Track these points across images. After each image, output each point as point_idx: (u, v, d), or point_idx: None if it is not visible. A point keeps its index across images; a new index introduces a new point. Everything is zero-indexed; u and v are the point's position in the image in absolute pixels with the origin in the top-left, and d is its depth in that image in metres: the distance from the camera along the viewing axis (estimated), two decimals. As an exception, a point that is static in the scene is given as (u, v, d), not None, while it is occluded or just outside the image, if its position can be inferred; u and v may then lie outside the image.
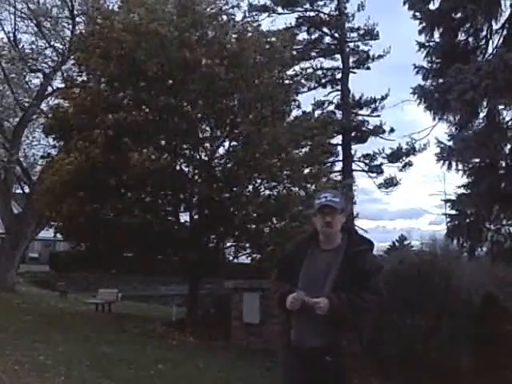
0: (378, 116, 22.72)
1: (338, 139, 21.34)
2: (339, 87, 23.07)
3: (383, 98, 22.40)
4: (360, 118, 23.15)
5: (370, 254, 2.96)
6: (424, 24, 10.14)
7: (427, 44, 10.32)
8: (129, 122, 10.37)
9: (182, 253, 11.45)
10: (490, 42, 10.02)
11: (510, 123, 9.49)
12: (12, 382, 5.11)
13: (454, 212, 10.14)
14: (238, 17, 12.53)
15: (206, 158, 11.82)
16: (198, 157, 11.86)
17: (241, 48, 10.87)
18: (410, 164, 21.66)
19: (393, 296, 6.06)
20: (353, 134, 22.44)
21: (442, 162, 9.65)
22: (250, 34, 11.57)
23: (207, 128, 12.03)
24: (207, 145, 11.89)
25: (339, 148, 22.25)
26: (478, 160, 9.69)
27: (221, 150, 12.04)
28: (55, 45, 16.95)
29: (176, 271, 14.68)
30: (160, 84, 10.89)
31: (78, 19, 16.38)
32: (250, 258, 12.30)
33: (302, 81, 14.08)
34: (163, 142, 11.86)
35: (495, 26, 9.84)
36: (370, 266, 2.83)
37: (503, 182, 9.26)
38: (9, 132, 17.28)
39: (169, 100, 10.54)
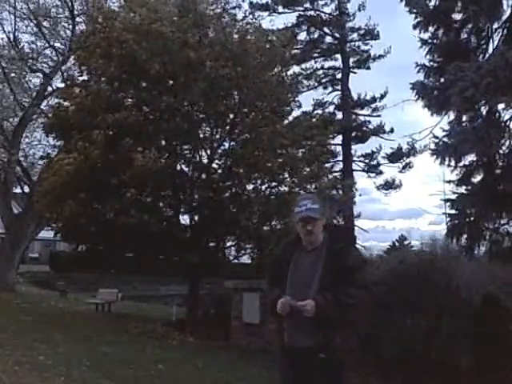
0: (379, 116, 22.79)
1: (338, 139, 21.38)
2: (339, 87, 23.08)
3: (382, 97, 22.44)
4: (360, 117, 23.19)
5: (352, 250, 3.03)
6: (419, 19, 10.12)
7: (429, 41, 10.30)
8: (130, 122, 10.36)
9: (182, 254, 11.43)
10: (491, 40, 10.02)
11: (508, 122, 9.48)
12: (12, 382, 5.10)
13: (453, 212, 10.12)
14: (239, 16, 12.53)
15: (206, 159, 11.82)
16: (198, 158, 11.85)
17: (243, 49, 10.87)
18: (410, 166, 21.73)
19: (393, 296, 6.08)
20: (353, 134, 22.45)
21: (436, 156, 9.61)
22: (251, 34, 11.56)
23: (207, 128, 12.03)
24: (207, 145, 11.88)
25: (339, 148, 22.28)
26: (474, 158, 9.68)
27: (221, 150, 12.04)
28: (55, 45, 17.00)
29: (176, 271, 14.67)
30: (161, 84, 10.89)
31: (78, 19, 16.43)
32: (250, 258, 12.30)
33: (303, 81, 14.07)
34: (163, 143, 11.86)
35: (495, 25, 9.83)
36: (353, 261, 2.88)
37: (499, 182, 9.24)
38: (9, 132, 17.29)
39: (170, 100, 10.54)
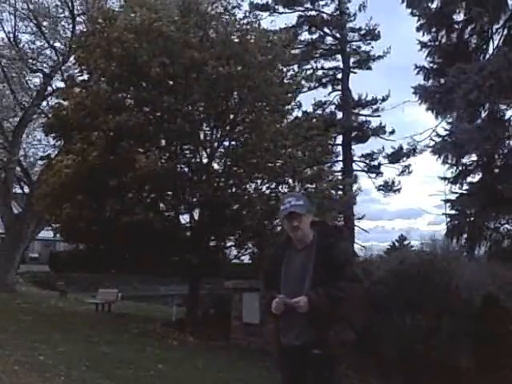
0: (379, 116, 22.77)
1: (338, 139, 21.36)
2: (340, 87, 23.08)
3: (384, 99, 22.43)
4: (360, 118, 23.17)
5: (341, 244, 3.07)
6: (422, 21, 10.14)
7: (429, 43, 10.31)
8: (131, 124, 10.32)
9: (182, 254, 11.42)
10: (491, 41, 10.02)
11: (510, 121, 9.47)
12: (12, 382, 5.09)
13: (453, 212, 10.12)
14: (239, 15, 12.51)
15: (206, 159, 11.80)
16: (198, 159, 11.84)
17: (244, 48, 10.85)
18: (409, 170, 21.78)
19: (393, 296, 6.09)
20: (353, 135, 22.45)
21: (438, 156, 9.62)
22: (251, 34, 11.54)
23: (207, 129, 12.02)
24: (207, 145, 11.87)
25: (339, 148, 22.27)
26: (474, 158, 9.68)
27: (221, 150, 12.03)
28: (55, 45, 16.99)
29: (176, 271, 14.67)
30: (162, 84, 10.86)
31: (78, 19, 16.41)
32: (250, 258, 12.29)
33: (303, 81, 14.04)
34: (163, 143, 11.84)
35: (496, 26, 9.84)
36: (343, 256, 2.95)
37: (497, 182, 9.23)
38: (9, 132, 17.29)
39: (171, 100, 10.52)
